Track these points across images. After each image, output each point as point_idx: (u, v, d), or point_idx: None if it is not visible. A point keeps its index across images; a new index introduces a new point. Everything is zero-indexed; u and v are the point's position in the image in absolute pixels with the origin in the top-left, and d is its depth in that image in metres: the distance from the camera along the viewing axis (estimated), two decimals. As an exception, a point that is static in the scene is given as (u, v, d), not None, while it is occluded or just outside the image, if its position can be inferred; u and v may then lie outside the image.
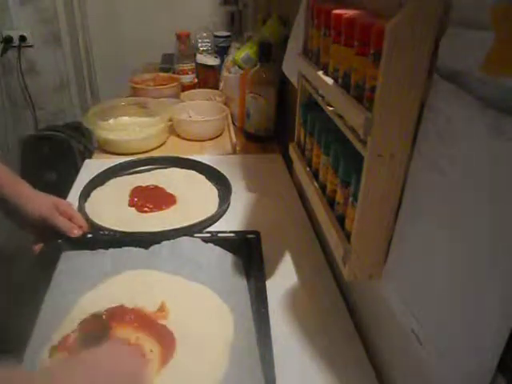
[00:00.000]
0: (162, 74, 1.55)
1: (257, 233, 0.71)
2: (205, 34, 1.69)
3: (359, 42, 0.44)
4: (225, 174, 0.95)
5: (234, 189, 0.90)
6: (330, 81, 0.53)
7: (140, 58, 1.98)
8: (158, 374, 0.50)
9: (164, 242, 0.71)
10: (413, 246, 0.41)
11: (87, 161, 1.09)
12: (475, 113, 0.30)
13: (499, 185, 0.29)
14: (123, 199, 0.87)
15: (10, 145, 2.20)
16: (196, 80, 1.56)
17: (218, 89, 1.47)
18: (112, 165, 0.98)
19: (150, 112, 1.22)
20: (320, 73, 0.56)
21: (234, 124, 1.27)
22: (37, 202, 0.71)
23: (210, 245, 0.70)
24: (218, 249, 0.70)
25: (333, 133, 0.54)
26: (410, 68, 0.37)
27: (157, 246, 0.70)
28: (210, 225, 0.81)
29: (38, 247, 0.70)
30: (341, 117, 0.50)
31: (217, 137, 1.22)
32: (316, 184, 0.62)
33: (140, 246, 0.70)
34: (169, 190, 0.90)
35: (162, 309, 0.59)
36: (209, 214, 0.81)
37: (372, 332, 0.59)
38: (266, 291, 0.60)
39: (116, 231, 0.74)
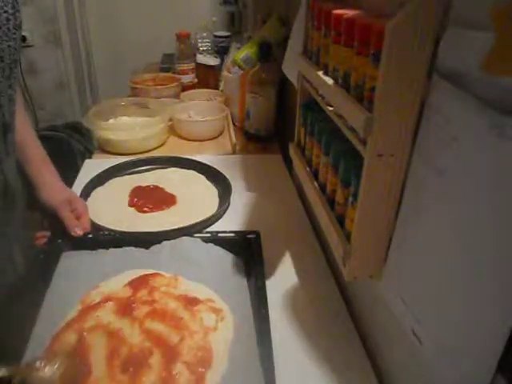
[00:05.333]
0: (162, 74, 1.55)
1: (257, 233, 0.72)
2: (205, 34, 1.69)
3: (359, 42, 0.44)
4: (225, 174, 0.95)
5: (233, 189, 0.90)
6: (329, 81, 0.53)
7: (140, 58, 1.98)
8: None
9: (164, 242, 0.71)
10: (413, 246, 0.41)
11: (87, 161, 1.09)
12: (475, 113, 0.30)
13: (499, 185, 0.29)
14: (123, 199, 0.87)
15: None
16: (196, 80, 1.56)
17: (217, 89, 1.47)
18: (112, 165, 0.98)
19: (150, 112, 1.22)
20: (320, 73, 0.56)
21: (234, 124, 1.27)
22: (53, 191, 0.73)
23: (211, 245, 0.70)
24: (218, 249, 0.70)
25: (333, 133, 0.54)
26: (409, 68, 0.37)
27: (157, 246, 0.71)
28: (210, 225, 0.81)
29: (40, 235, 0.70)
30: (341, 117, 0.50)
31: (217, 137, 1.22)
32: (316, 184, 0.62)
33: (140, 246, 0.70)
34: (169, 190, 0.90)
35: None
36: (209, 214, 0.81)
37: (372, 332, 0.59)
38: (266, 291, 0.60)
39: (116, 231, 0.74)
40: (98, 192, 0.90)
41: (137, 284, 0.63)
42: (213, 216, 0.81)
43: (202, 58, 1.55)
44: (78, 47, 2.27)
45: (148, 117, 1.20)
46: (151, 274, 0.65)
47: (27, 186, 0.72)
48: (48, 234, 0.71)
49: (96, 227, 0.76)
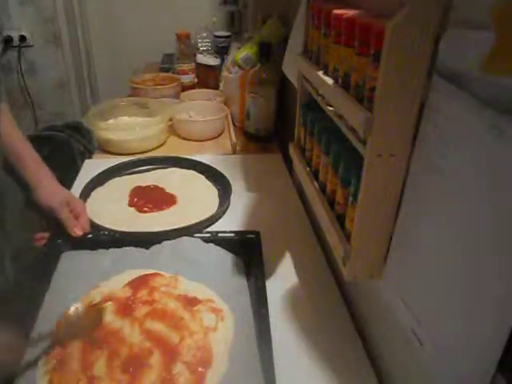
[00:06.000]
0: (162, 74, 1.55)
1: (257, 233, 0.71)
2: (205, 34, 1.69)
3: (359, 42, 0.44)
4: (225, 174, 0.95)
5: (233, 189, 0.90)
6: (330, 81, 0.53)
7: (140, 58, 1.98)
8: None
9: (164, 242, 0.71)
10: (413, 246, 0.41)
11: (87, 161, 1.09)
12: (475, 113, 0.30)
13: (499, 185, 0.29)
14: (123, 199, 0.87)
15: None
16: (196, 80, 1.56)
17: (217, 89, 1.47)
18: (112, 165, 0.98)
19: (150, 112, 1.22)
20: (320, 73, 0.56)
21: (234, 124, 1.27)
22: (50, 192, 0.73)
23: (211, 245, 0.70)
24: (218, 249, 0.70)
25: (333, 133, 0.54)
26: (409, 68, 0.37)
27: (157, 246, 0.71)
28: (210, 225, 0.81)
29: (39, 236, 0.70)
30: (341, 117, 0.50)
31: (217, 137, 1.22)
32: (316, 184, 0.62)
33: (140, 246, 0.70)
34: (169, 190, 0.90)
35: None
36: (209, 214, 0.81)
37: (372, 332, 0.59)
38: (266, 291, 0.60)
39: (116, 231, 0.74)
40: (98, 192, 0.90)
41: (137, 284, 0.63)
42: (213, 216, 0.81)
43: (202, 58, 1.55)
44: (78, 47, 2.27)
45: (148, 117, 1.20)
46: (151, 274, 0.65)
47: (24, 189, 0.72)
48: (47, 235, 0.71)
49: (96, 227, 0.76)
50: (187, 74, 1.53)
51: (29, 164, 0.73)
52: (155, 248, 0.70)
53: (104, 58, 2.36)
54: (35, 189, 0.72)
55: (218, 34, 1.72)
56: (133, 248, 0.70)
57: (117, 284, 0.63)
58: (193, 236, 0.71)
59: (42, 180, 0.73)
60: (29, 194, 0.72)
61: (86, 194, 0.87)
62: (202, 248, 0.70)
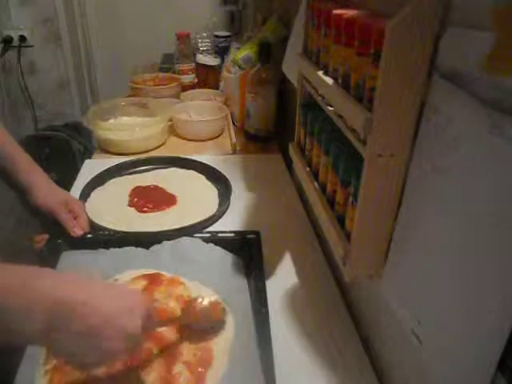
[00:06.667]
0: (162, 74, 1.55)
1: (257, 233, 0.71)
2: (205, 34, 1.69)
3: (359, 41, 0.44)
4: (225, 174, 0.95)
5: (233, 189, 0.90)
6: (329, 81, 0.53)
7: (140, 57, 1.98)
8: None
9: (164, 242, 0.71)
10: (413, 246, 0.41)
11: (87, 161, 1.09)
12: (475, 113, 0.30)
13: (499, 185, 0.29)
14: (123, 199, 0.87)
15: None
16: (196, 80, 1.56)
17: (218, 89, 1.47)
18: (112, 165, 0.98)
19: (150, 112, 1.21)
20: (320, 73, 0.56)
21: (234, 124, 1.27)
22: (48, 194, 0.73)
23: (211, 245, 0.70)
24: (218, 249, 0.70)
25: (333, 133, 0.54)
26: (410, 68, 0.37)
27: (157, 246, 0.70)
28: (210, 225, 0.81)
29: (39, 238, 0.70)
30: (341, 117, 0.50)
31: (217, 137, 1.22)
32: (316, 184, 0.62)
33: (140, 246, 0.70)
34: (169, 190, 0.90)
35: None
36: (209, 214, 0.81)
37: (372, 332, 0.59)
38: (266, 291, 0.60)
39: (116, 231, 0.74)
40: (98, 192, 0.90)
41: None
42: (213, 216, 0.81)
43: (202, 58, 1.55)
44: (78, 47, 2.27)
45: (148, 117, 1.20)
46: (151, 274, 0.64)
47: (20, 193, 0.72)
48: (46, 236, 0.71)
49: (96, 227, 0.76)
50: (187, 74, 1.53)
51: (23, 167, 0.73)
52: (155, 248, 0.70)
53: (104, 58, 2.36)
54: (32, 191, 0.72)
55: (217, 33, 1.72)
56: (133, 248, 0.70)
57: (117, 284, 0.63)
58: (193, 236, 0.71)
59: (38, 182, 0.73)
60: (26, 196, 0.72)
61: (85, 194, 0.87)
62: (202, 248, 0.70)
